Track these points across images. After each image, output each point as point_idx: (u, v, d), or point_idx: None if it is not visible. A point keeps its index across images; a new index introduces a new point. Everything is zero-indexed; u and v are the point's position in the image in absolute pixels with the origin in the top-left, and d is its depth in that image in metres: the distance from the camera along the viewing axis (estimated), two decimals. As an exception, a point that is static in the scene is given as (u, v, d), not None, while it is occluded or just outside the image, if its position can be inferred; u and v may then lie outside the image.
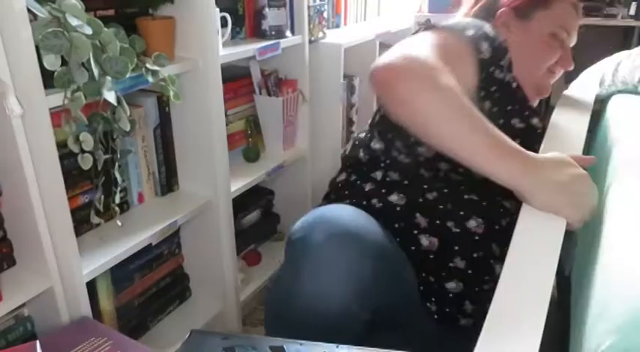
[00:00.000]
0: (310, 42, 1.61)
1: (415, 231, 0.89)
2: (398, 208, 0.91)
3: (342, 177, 1.02)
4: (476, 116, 0.75)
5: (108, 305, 1.24)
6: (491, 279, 0.90)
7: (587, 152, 1.09)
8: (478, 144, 0.74)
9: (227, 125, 1.43)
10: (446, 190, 0.91)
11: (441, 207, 0.90)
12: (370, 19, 2.16)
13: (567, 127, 1.07)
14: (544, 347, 0.54)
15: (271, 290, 0.84)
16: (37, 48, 0.85)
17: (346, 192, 0.98)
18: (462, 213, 0.89)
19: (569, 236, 0.77)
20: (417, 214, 0.90)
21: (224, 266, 1.44)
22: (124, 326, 1.30)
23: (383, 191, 0.94)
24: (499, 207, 0.91)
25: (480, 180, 0.79)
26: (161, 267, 1.39)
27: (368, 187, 0.96)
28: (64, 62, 0.89)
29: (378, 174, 0.97)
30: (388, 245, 0.81)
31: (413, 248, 0.89)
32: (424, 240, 0.89)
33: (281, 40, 1.48)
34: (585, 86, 1.37)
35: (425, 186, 0.92)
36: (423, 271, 0.89)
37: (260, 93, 1.58)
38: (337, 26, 1.95)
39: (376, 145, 0.99)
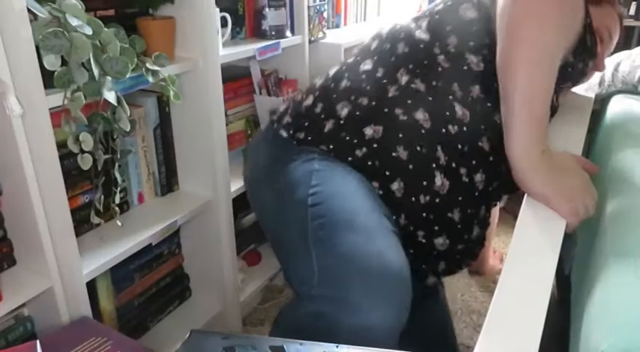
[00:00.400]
0: (310, 42, 1.61)
1: (434, 165, 0.89)
2: (422, 131, 0.89)
3: (343, 111, 0.93)
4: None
5: (108, 305, 1.24)
6: (468, 239, 0.94)
7: (587, 152, 1.09)
8: (530, 137, 0.80)
9: (227, 125, 1.43)
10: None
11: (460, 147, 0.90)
12: (370, 19, 2.16)
13: (567, 127, 1.07)
14: (544, 347, 0.54)
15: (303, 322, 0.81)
16: (37, 48, 0.85)
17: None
18: (474, 162, 0.91)
19: (569, 236, 0.77)
20: (439, 147, 0.89)
21: (224, 266, 1.44)
22: (124, 326, 1.30)
23: (408, 102, 0.90)
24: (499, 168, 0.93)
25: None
26: (161, 267, 1.39)
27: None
28: (64, 62, 0.89)
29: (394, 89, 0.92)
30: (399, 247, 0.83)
31: (425, 183, 0.89)
32: (438, 179, 0.89)
33: (281, 40, 1.48)
34: (585, 86, 1.37)
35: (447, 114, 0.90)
36: (417, 224, 0.91)
37: (260, 93, 1.58)
38: (337, 26, 1.95)
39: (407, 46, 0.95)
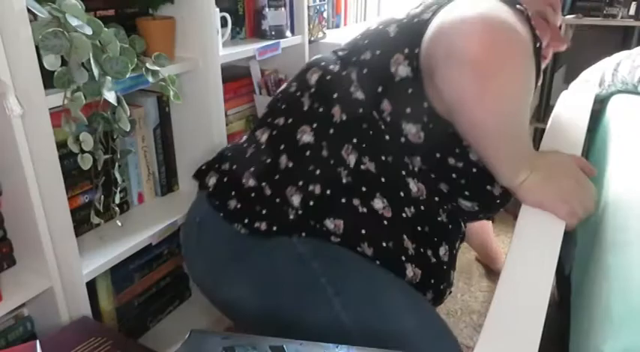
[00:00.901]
0: (310, 42, 1.61)
1: (403, 257, 0.82)
2: (385, 222, 0.82)
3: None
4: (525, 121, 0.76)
5: (108, 305, 1.24)
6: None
7: (587, 152, 1.09)
8: (511, 155, 0.75)
9: (227, 125, 1.43)
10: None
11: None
12: (370, 19, 2.16)
13: (567, 127, 1.07)
14: (544, 347, 0.54)
15: None
16: (37, 48, 0.85)
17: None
18: (435, 239, 0.86)
19: (569, 236, 0.77)
20: (404, 236, 0.83)
21: (224, 266, 1.44)
22: (123, 326, 1.30)
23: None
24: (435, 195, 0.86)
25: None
26: (161, 267, 1.39)
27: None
28: (64, 62, 0.89)
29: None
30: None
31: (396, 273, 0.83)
32: (409, 271, 0.83)
33: (281, 40, 1.48)
34: (585, 86, 1.38)
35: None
36: None
37: (260, 93, 1.58)
38: (337, 26, 1.95)
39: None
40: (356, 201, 0.80)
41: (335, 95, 0.83)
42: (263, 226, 0.82)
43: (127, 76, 0.97)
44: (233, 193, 0.86)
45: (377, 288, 0.80)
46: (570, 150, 0.93)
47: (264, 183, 0.83)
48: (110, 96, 0.96)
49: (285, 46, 1.50)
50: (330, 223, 0.80)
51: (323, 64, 0.88)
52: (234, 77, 1.54)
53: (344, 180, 0.80)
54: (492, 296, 0.60)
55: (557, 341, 0.86)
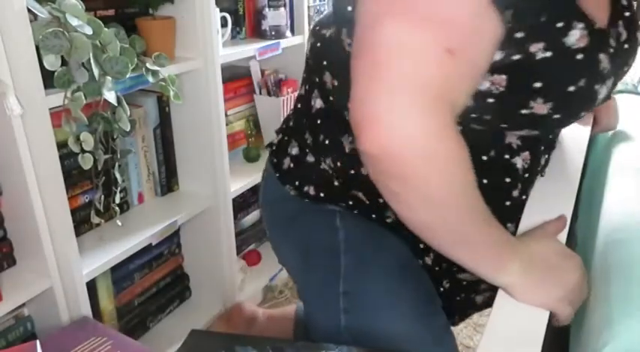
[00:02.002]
0: (310, 42, 1.61)
1: None
2: None
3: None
4: (481, 210, 0.60)
5: (108, 305, 1.24)
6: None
7: (587, 152, 1.09)
8: (481, 257, 0.63)
9: (227, 125, 1.43)
10: None
11: None
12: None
13: (568, 127, 1.07)
14: (545, 348, 0.54)
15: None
16: (37, 48, 0.85)
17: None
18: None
19: (570, 236, 0.77)
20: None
21: (224, 266, 1.44)
22: (123, 326, 1.30)
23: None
24: None
25: None
26: (161, 267, 1.39)
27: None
28: (64, 62, 0.89)
29: None
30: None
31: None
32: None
33: (281, 40, 1.48)
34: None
35: None
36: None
37: (260, 93, 1.58)
38: (337, 26, 1.95)
39: None
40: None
41: (325, 62, 0.76)
42: (312, 190, 0.80)
43: (127, 76, 0.97)
44: (288, 152, 0.83)
45: (388, 306, 0.76)
46: (573, 150, 0.93)
47: (306, 149, 0.80)
48: (110, 97, 0.96)
49: (285, 46, 1.50)
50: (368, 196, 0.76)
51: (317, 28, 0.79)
52: (234, 77, 1.54)
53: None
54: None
55: (557, 341, 0.86)
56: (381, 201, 0.74)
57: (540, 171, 0.81)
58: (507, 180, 0.74)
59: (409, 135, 0.51)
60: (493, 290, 0.72)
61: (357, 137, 0.54)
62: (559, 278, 0.65)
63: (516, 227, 0.75)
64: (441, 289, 0.84)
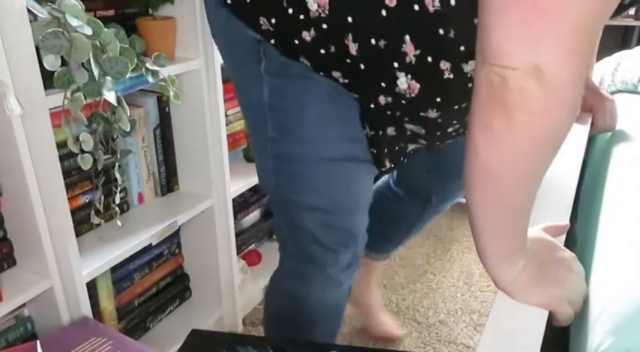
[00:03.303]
0: (310, 42, 1.61)
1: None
2: None
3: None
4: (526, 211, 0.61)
5: (108, 305, 1.24)
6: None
7: (587, 152, 1.09)
8: (499, 251, 0.62)
9: (227, 125, 1.43)
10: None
11: None
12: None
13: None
14: (544, 347, 0.54)
15: None
16: (37, 48, 0.85)
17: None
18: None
19: (570, 236, 0.77)
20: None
21: (224, 266, 1.44)
22: (124, 327, 1.30)
23: None
24: None
25: None
26: (161, 267, 1.39)
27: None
28: (64, 62, 0.89)
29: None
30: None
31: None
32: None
33: (281, 40, 1.47)
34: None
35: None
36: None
37: (260, 93, 1.57)
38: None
39: None
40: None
41: None
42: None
43: (127, 76, 0.97)
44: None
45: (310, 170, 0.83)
46: (572, 151, 0.93)
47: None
48: (110, 97, 0.96)
49: (285, 46, 1.50)
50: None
51: None
52: (234, 77, 1.54)
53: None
54: (492, 296, 0.60)
55: (557, 341, 0.86)
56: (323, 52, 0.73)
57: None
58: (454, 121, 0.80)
59: (563, 76, 0.49)
60: (430, 143, 0.85)
61: (501, 53, 0.50)
62: (558, 278, 0.64)
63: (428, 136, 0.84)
64: (385, 134, 0.85)
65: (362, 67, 0.72)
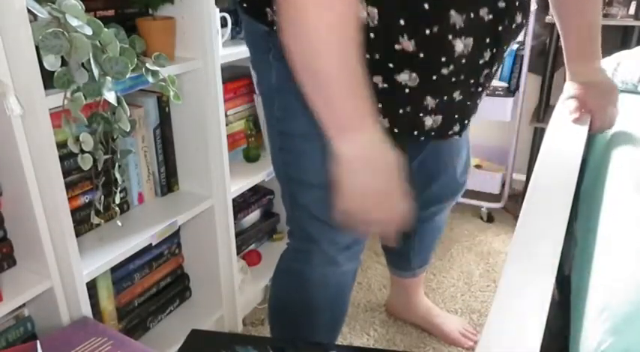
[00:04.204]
0: (310, 42, 1.61)
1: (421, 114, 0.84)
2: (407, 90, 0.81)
3: None
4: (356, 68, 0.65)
5: (108, 305, 1.24)
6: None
7: (587, 151, 1.09)
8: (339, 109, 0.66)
9: (227, 125, 1.43)
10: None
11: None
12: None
13: (568, 127, 1.07)
14: (544, 347, 0.54)
15: None
16: (37, 48, 0.85)
17: None
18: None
19: (570, 236, 0.77)
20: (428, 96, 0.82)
21: (224, 266, 1.44)
22: (124, 327, 1.30)
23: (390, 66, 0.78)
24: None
25: None
26: (161, 267, 1.39)
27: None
28: (64, 62, 0.89)
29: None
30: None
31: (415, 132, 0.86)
32: (429, 120, 0.85)
33: (281, 40, 1.47)
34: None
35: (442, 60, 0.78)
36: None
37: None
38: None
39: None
40: None
41: None
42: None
43: (127, 76, 0.97)
44: None
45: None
46: (571, 150, 0.93)
47: None
48: (110, 97, 0.96)
49: (285, 46, 1.50)
50: None
51: None
52: (234, 77, 1.54)
53: None
54: (492, 296, 0.60)
55: (557, 341, 0.86)
56: None
57: (483, 68, 0.83)
58: (443, 59, 0.77)
59: None
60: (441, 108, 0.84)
61: None
62: (380, 180, 0.69)
63: (439, 103, 0.82)
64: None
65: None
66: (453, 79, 0.81)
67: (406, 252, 1.38)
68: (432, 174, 1.19)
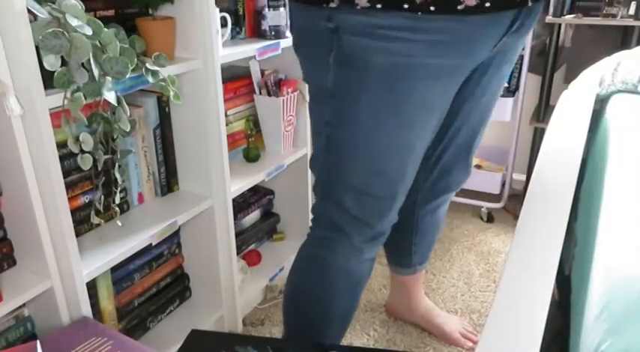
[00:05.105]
0: (310, 42, 1.61)
1: None
2: None
3: None
4: None
5: (108, 305, 1.25)
6: None
7: (587, 151, 1.09)
8: None
9: (227, 125, 1.43)
10: None
11: None
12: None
13: (568, 127, 1.07)
14: (544, 347, 0.54)
15: None
16: (37, 48, 0.85)
17: None
18: None
19: (570, 236, 0.77)
20: None
21: (224, 266, 1.44)
22: (124, 326, 1.30)
23: None
24: None
25: None
26: (161, 267, 1.39)
27: None
28: (64, 62, 0.89)
29: None
30: None
31: None
32: None
33: (281, 40, 1.48)
34: (585, 86, 1.37)
35: None
36: None
37: (260, 93, 1.58)
38: (337, 26, 1.95)
39: None
40: None
41: None
42: None
43: (127, 76, 0.97)
44: None
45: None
46: (571, 151, 0.93)
47: None
48: (110, 97, 0.96)
49: (285, 46, 1.50)
50: None
51: None
52: (234, 77, 1.54)
53: None
54: (492, 296, 0.60)
55: (557, 341, 0.86)
56: None
57: None
58: None
59: None
60: None
61: None
62: None
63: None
64: None
65: None
66: None
67: (408, 247, 1.39)
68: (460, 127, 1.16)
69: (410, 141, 0.90)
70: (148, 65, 1.07)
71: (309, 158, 1.71)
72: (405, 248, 1.40)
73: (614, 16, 1.88)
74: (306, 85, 0.97)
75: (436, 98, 0.88)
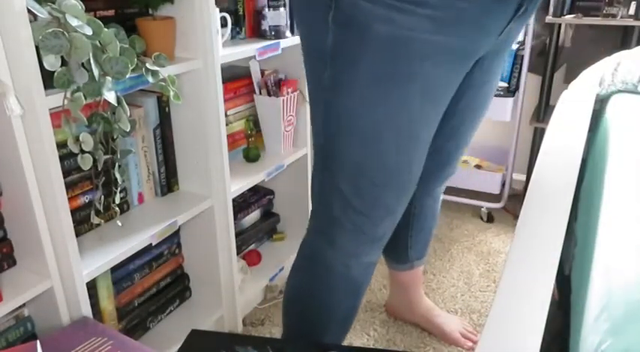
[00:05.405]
0: (310, 42, 1.61)
1: None
2: None
3: None
4: None
5: (108, 305, 1.25)
6: None
7: (587, 151, 1.09)
8: None
9: (227, 125, 1.43)
10: None
11: None
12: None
13: (568, 127, 1.07)
14: (544, 347, 0.54)
15: None
16: (37, 48, 0.85)
17: None
18: None
19: (569, 235, 0.77)
20: None
21: (224, 266, 1.44)
22: (124, 326, 1.30)
23: None
24: None
25: None
26: (161, 267, 1.39)
27: None
28: (64, 62, 0.89)
29: None
30: None
31: None
32: None
33: (281, 40, 1.48)
34: (585, 86, 1.38)
35: None
36: None
37: (260, 93, 1.58)
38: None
39: None
40: None
41: None
42: None
43: (127, 76, 0.97)
44: None
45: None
46: (571, 151, 0.93)
47: None
48: (110, 97, 0.96)
49: (285, 46, 1.50)
50: None
51: None
52: (234, 77, 1.54)
53: None
54: (492, 296, 0.60)
55: (557, 341, 0.86)
56: None
57: None
58: None
59: None
60: None
61: None
62: None
63: None
64: None
65: None
66: None
67: (404, 242, 1.39)
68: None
69: (413, 130, 0.85)
70: (148, 65, 1.07)
71: (309, 158, 1.72)
72: (402, 242, 1.39)
73: (614, 16, 1.88)
74: (306, 83, 0.94)
75: (439, 86, 0.84)
